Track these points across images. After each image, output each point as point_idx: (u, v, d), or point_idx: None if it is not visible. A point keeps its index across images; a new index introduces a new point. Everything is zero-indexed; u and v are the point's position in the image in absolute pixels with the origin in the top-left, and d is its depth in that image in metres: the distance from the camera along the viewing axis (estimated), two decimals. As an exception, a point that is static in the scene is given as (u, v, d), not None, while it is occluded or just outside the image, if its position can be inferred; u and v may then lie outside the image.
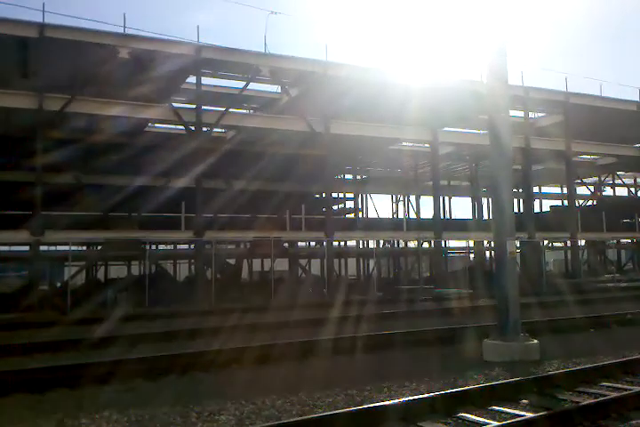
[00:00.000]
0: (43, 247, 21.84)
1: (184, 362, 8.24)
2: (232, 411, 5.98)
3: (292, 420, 5.35)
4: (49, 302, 18.73)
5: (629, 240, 37.05)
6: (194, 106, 22.77)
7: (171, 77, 22.01)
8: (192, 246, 25.63)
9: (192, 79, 23.02)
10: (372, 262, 31.77)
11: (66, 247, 21.46)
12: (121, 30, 20.34)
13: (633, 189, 40.42)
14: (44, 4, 24.66)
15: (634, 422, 5.34)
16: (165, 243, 30.04)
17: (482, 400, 6.16)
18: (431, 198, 28.25)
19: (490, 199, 31.70)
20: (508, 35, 10.51)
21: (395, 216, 36.99)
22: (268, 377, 7.77)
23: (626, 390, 6.64)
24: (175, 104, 23.40)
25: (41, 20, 19.24)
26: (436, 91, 23.49)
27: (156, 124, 25.79)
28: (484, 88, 10.34)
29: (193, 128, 22.15)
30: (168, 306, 18.05)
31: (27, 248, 23.76)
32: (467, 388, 6.57)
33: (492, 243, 11.57)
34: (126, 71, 20.50)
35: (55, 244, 24.04)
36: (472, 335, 10.08)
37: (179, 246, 32.31)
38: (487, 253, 33.70)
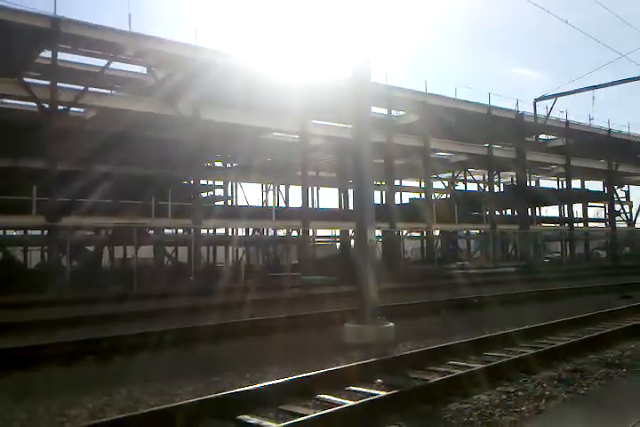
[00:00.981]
0: None
1: None
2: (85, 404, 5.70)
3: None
4: None
5: (477, 231, 40.47)
6: (48, 82, 21.10)
7: (24, 51, 20.21)
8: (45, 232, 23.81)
9: (48, 54, 21.30)
10: (241, 251, 31.68)
11: None
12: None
13: (481, 185, 44.16)
14: None
15: (475, 397, 5.85)
16: (15, 228, 27.62)
17: (339, 382, 6.42)
18: (300, 188, 28.77)
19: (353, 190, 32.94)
20: (373, 39, 10.97)
21: (264, 205, 37.16)
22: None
23: (469, 367, 7.25)
24: (30, 80, 21.52)
25: None
26: (310, 83, 23.89)
27: (6, 100, 23.56)
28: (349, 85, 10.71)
29: (46, 106, 20.51)
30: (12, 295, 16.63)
31: None
32: (324, 370, 6.80)
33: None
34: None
35: None
36: (334, 320, 10.46)
37: (32, 232, 29.85)
38: (352, 241, 35.03)
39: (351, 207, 36.68)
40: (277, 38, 69.78)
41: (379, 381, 6.66)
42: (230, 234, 34.18)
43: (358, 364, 7.13)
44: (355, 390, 6.25)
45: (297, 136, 28.78)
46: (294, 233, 30.32)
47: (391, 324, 9.41)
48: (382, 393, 5.96)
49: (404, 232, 33.48)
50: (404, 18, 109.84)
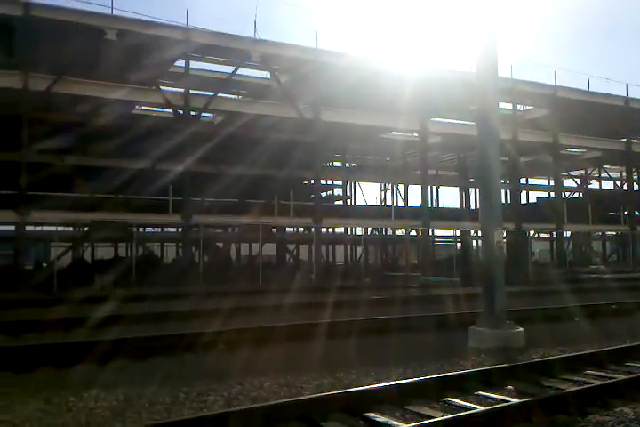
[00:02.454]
0: (29, 227, 21.63)
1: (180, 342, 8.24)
2: (220, 392, 6.02)
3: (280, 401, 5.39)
4: (34, 281, 18.64)
5: (614, 232, 37.50)
6: (182, 90, 22.60)
7: (159, 61, 21.79)
8: (179, 229, 25.55)
9: (181, 63, 22.81)
10: (359, 249, 31.89)
11: (53, 228, 21.30)
12: (108, 11, 20.06)
13: (618, 183, 40.84)
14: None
15: (617, 409, 5.44)
16: (154, 226, 29.93)
17: (468, 386, 6.25)
18: (419, 187, 28.37)
19: (477, 189, 31.90)
20: (498, 27, 10.48)
21: (383, 204, 37.09)
22: (263, 359, 7.80)
23: (610, 378, 6.75)
24: (164, 88, 23.20)
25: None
26: (428, 81, 23.48)
27: (145, 108, 25.56)
28: (474, 79, 10.33)
29: (181, 112, 21.98)
30: (154, 288, 17.99)
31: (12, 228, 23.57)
32: (452, 373, 6.65)
33: (479, 232, 11.62)
34: (113, 53, 20.21)
35: (42, 224, 23.85)
36: (458, 323, 10.19)
37: (167, 230, 32.18)
38: (474, 242, 34.00)
39: (472, 206, 35.57)
40: (394, 34, 69.34)
41: (509, 387, 6.39)
42: (349, 233, 34.53)
43: (487, 368, 6.89)
44: (484, 396, 6.04)
45: (416, 134, 28.40)
46: (413, 233, 29.98)
47: (520, 329, 8.98)
48: (514, 400, 5.72)
49: (532, 233, 31.83)
50: (532, 4, 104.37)
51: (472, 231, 31.15)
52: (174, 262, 26.19)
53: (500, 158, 10.02)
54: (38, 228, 25.17)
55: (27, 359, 7.35)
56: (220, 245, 26.81)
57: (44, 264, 25.01)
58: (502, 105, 29.20)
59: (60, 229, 23.87)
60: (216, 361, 7.79)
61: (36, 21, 18.72)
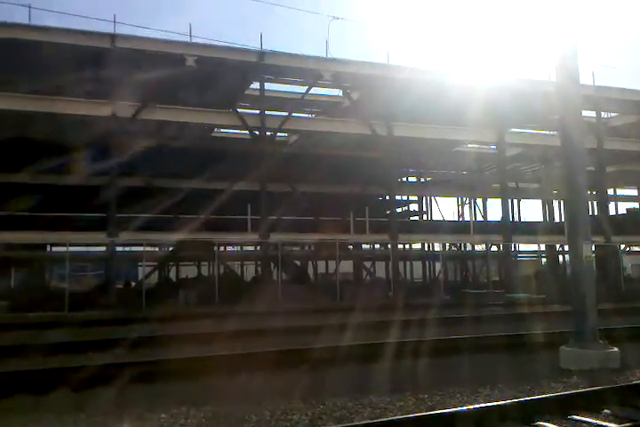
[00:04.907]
0: (118, 248, 22.76)
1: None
2: (304, 411, 6.01)
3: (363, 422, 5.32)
4: (124, 300, 19.53)
5: None
6: (257, 111, 23.24)
7: (235, 84, 22.56)
8: (258, 248, 26.01)
9: (256, 85, 23.50)
10: (437, 265, 31.24)
11: (140, 248, 22.30)
12: (187, 39, 20.99)
13: None
14: (114, 15, 26.11)
15: None
16: (233, 244, 30.68)
17: (560, 409, 5.92)
18: (498, 201, 27.55)
19: (561, 201, 30.60)
20: (578, 32, 10.09)
21: (460, 219, 36.26)
22: (341, 378, 7.76)
23: None
24: (240, 110, 23.96)
25: (112, 31, 20.13)
26: (501, 91, 22.88)
27: (222, 130, 26.50)
28: (554, 88, 9.98)
29: (257, 133, 22.59)
30: (236, 305, 18.38)
31: (102, 249, 24.92)
32: (543, 396, 6.33)
33: (566, 246, 11.10)
34: (193, 79, 21.11)
35: (129, 244, 25.03)
36: (547, 342, 9.74)
37: (246, 248, 32.87)
38: (560, 256, 32.51)
39: (557, 219, 34.10)
40: (463, 46, 68.36)
41: (606, 411, 6.00)
42: (426, 249, 33.94)
43: (581, 391, 6.52)
44: (579, 420, 5.71)
45: (494, 146, 27.69)
46: (494, 248, 29.05)
47: (615, 349, 8.45)
48: (613, 426, 5.36)
49: (622, 246, 30.04)
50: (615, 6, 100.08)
51: (557, 246, 29.86)
52: (254, 280, 26.69)
53: (585, 168, 9.58)
54: (127, 248, 26.43)
55: (120, 377, 7.63)
56: (298, 262, 27.09)
57: (133, 283, 26.19)
58: (584, 112, 28.00)
59: (147, 249, 24.98)
60: (299, 380, 7.79)
61: (121, 52, 19.89)
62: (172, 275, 32.08)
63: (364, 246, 32.83)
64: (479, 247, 31.18)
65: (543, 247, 31.11)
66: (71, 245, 22.55)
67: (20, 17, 19.55)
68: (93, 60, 20.12)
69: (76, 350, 10.02)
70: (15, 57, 19.21)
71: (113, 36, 20.01)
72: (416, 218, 35.56)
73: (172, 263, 30.99)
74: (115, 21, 20.18)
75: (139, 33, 21.08)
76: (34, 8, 19.55)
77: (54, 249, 29.17)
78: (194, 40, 20.94)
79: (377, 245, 32.48)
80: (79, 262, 30.94)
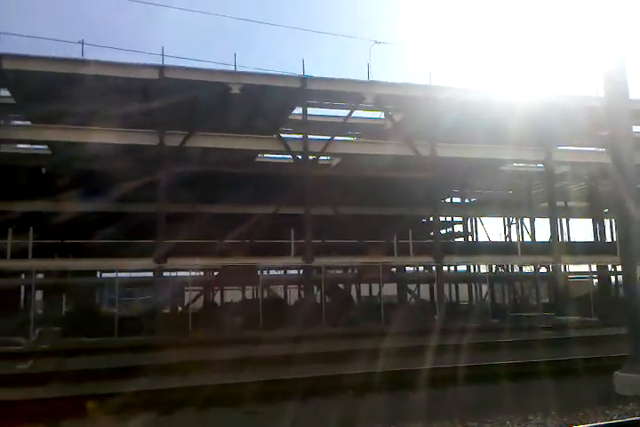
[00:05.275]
0: (164, 273, 23.24)
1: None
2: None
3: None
4: (171, 324, 19.80)
5: None
6: (300, 135, 23.56)
7: (279, 109, 22.99)
8: (301, 271, 26.07)
9: (298, 110, 23.88)
10: (484, 288, 30.54)
11: (186, 273, 22.69)
12: (232, 68, 21.56)
13: None
14: (162, 48, 27.10)
15: None
16: (276, 268, 30.84)
17: (618, 439, 5.65)
18: (546, 220, 26.88)
19: (614, 220, 29.65)
20: (626, 45, 9.93)
21: (508, 240, 35.45)
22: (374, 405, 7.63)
23: None
24: (283, 135, 24.38)
25: (160, 63, 20.87)
26: (546, 108, 22.55)
27: (265, 155, 26.94)
28: (601, 103, 9.79)
29: (300, 157, 22.86)
30: (282, 330, 18.39)
31: (147, 273, 25.49)
32: (599, 423, 6.05)
33: (619, 267, 10.72)
34: (238, 106, 21.63)
35: (175, 270, 25.50)
36: (600, 367, 9.34)
37: (289, 272, 32.95)
38: (612, 277, 31.31)
39: (609, 239, 32.98)
40: (510, 64, 67.76)
41: (668, 442, 5.69)
42: (472, 271, 33.26)
43: (638, 419, 6.20)
44: (638, 451, 5.42)
45: (540, 165, 27.16)
46: (542, 269, 28.24)
47: (675, 374, 8.02)
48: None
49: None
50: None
51: (609, 266, 28.82)
52: (297, 304, 26.71)
53: (636, 186, 9.29)
54: (173, 273, 26.93)
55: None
56: (341, 286, 26.98)
57: (180, 308, 26.57)
58: (636, 128, 27.20)
59: (192, 273, 25.39)
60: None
61: (169, 82, 20.58)
62: (217, 299, 32.38)
63: (408, 269, 32.46)
64: (527, 269, 30.37)
65: (594, 268, 30.06)
66: (119, 271, 23.14)
67: (77, 53, 20.25)
68: (142, 90, 20.96)
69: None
70: (71, 90, 20.13)
71: (161, 68, 20.73)
72: (461, 239, 34.98)
73: (216, 288, 31.31)
74: (163, 54, 20.95)
75: (183, 63, 21.61)
76: (86, 44, 20.32)
77: (104, 275, 29.95)
78: (239, 69, 21.51)
79: (421, 268, 32.05)
80: (127, 287, 31.63)
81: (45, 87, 20.07)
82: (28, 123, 24.63)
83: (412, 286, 30.56)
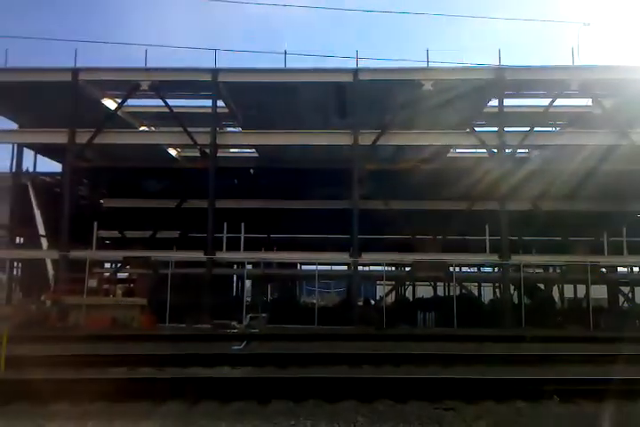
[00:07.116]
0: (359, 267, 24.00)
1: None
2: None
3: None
4: (365, 317, 20.42)
5: None
6: (494, 129, 22.59)
7: (472, 103, 22.29)
8: (496, 269, 25.01)
9: (492, 102, 22.92)
10: None
11: (379, 268, 23.18)
12: (424, 65, 21.42)
13: None
14: (357, 51, 27.94)
15: None
16: (469, 265, 30.05)
17: None
18: None
19: None
20: None
21: None
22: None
23: None
24: (476, 128, 23.62)
25: (354, 67, 21.55)
26: None
27: (457, 150, 26.32)
28: None
29: (495, 151, 21.93)
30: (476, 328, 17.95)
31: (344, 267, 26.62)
32: None
33: None
34: (429, 102, 21.44)
35: (368, 264, 26.22)
36: None
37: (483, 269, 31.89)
38: None
39: None
40: None
41: None
42: None
43: None
44: None
45: None
46: None
47: None
48: None
49: None
50: None
51: None
52: (492, 303, 25.74)
53: None
54: (366, 268, 27.70)
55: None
56: (541, 285, 25.30)
57: (372, 301, 27.24)
58: None
59: (385, 268, 25.91)
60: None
61: (362, 84, 21.18)
62: (409, 294, 32.54)
63: (620, 269, 29.28)
64: None
65: None
66: (319, 264, 24.47)
67: (279, 63, 22.02)
68: (336, 93, 21.87)
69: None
70: (276, 97, 21.85)
71: (356, 71, 21.40)
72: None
73: (408, 283, 31.45)
74: (357, 57, 21.64)
75: (374, 65, 22.06)
76: (289, 54, 21.88)
77: (304, 267, 31.93)
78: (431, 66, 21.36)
79: (636, 269, 28.70)
80: (324, 280, 33.37)
81: (254, 96, 22.01)
82: (239, 129, 27.27)
83: (625, 289, 27.58)
